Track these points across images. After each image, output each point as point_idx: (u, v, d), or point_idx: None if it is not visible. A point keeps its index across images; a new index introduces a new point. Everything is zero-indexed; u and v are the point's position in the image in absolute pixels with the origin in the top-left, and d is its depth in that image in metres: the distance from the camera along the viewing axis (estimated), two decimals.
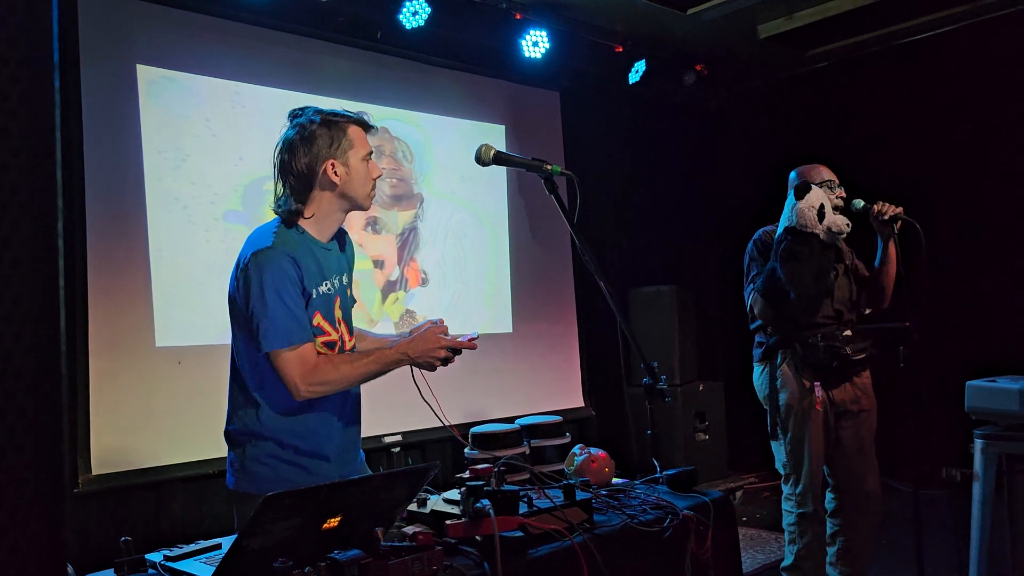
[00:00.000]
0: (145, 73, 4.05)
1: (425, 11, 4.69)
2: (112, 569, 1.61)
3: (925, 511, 3.16)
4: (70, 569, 1.54)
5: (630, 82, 5.89)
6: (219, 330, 4.19)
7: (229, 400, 2.15)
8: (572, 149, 5.94)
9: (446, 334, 2.07)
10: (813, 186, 3.20)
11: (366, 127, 2.16)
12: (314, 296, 2.07)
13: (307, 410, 2.09)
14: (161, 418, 3.92)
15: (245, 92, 4.40)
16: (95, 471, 3.69)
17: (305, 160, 2.06)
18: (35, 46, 0.88)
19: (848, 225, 3.18)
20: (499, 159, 2.26)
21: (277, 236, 2.04)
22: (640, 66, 5.83)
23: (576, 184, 2.29)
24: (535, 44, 5.26)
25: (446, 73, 5.29)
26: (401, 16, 4.69)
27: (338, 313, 2.17)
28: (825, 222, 3.14)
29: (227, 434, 2.15)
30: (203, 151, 4.21)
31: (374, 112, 4.85)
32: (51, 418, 0.88)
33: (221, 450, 3.95)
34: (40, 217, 0.88)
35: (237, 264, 2.07)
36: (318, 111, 2.10)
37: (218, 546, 1.72)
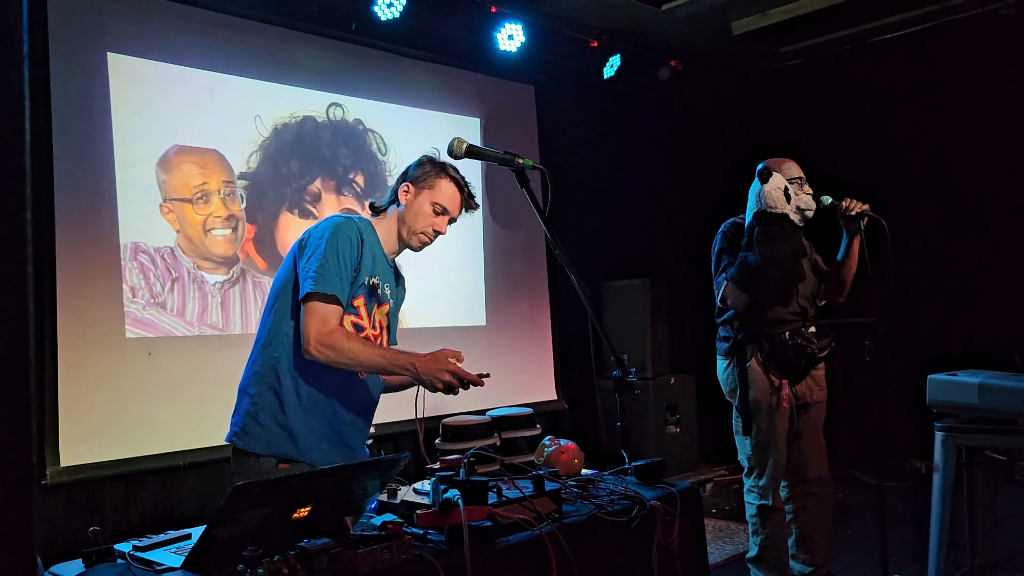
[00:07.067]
0: (116, 62, 4.00)
1: (400, 2, 4.68)
2: (80, 559, 1.61)
3: (889, 502, 3.22)
4: (37, 560, 1.54)
5: (605, 77, 5.92)
6: (190, 321, 4.19)
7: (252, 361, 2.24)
8: (547, 143, 5.96)
9: (459, 362, 2.09)
10: (773, 171, 3.23)
11: (463, 196, 2.36)
12: (363, 281, 2.21)
13: (321, 379, 2.17)
14: (130, 409, 3.89)
15: (217, 82, 4.36)
16: (63, 463, 3.65)
17: (402, 176, 2.35)
18: (3, 38, 0.88)
19: (812, 201, 3.21)
20: (471, 153, 2.29)
21: (360, 220, 2.29)
22: (615, 61, 5.87)
23: (547, 178, 2.33)
24: (510, 37, 5.27)
25: (421, 65, 5.28)
26: (376, 7, 4.68)
27: (379, 317, 2.29)
28: (793, 202, 3.18)
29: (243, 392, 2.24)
30: (174, 141, 4.17)
31: (349, 104, 4.91)
32: (18, 412, 0.88)
33: (191, 441, 3.99)
34: (8, 214, 0.88)
35: (317, 224, 2.24)
36: (450, 164, 2.35)
37: (188, 536, 1.72)
